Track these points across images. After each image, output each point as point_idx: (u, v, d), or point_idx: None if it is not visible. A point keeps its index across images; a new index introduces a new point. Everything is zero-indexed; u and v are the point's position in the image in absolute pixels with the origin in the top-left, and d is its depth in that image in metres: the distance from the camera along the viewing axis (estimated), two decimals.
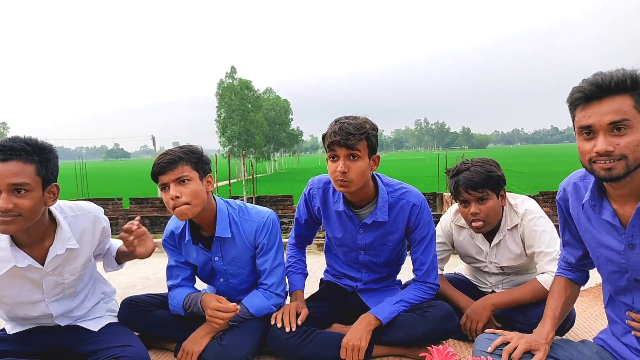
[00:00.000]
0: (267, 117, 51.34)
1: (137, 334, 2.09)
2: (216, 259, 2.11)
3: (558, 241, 2.06)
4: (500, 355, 1.57)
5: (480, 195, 2.06)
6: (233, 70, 45.89)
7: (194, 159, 1.92)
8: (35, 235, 1.73)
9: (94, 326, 1.98)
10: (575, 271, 1.77)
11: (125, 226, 1.83)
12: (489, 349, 1.61)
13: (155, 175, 1.90)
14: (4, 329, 1.96)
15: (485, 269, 2.33)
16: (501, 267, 2.28)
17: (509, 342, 1.60)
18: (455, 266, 2.72)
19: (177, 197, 1.86)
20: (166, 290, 2.22)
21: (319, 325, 2.11)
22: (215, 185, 2.05)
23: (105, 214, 2.01)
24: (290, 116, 59.33)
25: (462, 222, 2.27)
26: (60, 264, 1.81)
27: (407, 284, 2.28)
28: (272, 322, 2.03)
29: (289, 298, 2.25)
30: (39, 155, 1.61)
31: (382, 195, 2.04)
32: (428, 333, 1.95)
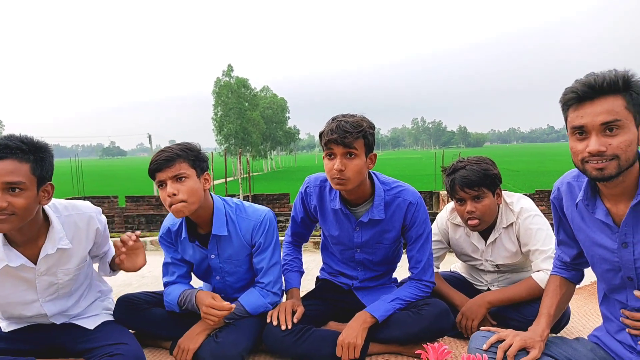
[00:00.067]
0: (263, 116, 51.26)
1: (133, 332, 2.09)
2: (212, 256, 2.11)
3: (553, 239, 2.07)
4: (496, 353, 1.58)
5: (476, 194, 2.07)
6: (230, 68, 45.78)
7: (192, 156, 1.92)
8: (28, 234, 1.72)
9: (90, 324, 1.98)
10: (570, 270, 1.78)
11: (123, 237, 1.83)
12: (484, 347, 1.62)
13: (152, 172, 1.90)
14: None
15: (481, 267, 2.34)
16: (497, 265, 2.28)
17: (504, 340, 1.60)
18: (451, 264, 2.73)
19: (174, 195, 1.85)
20: (162, 288, 2.22)
21: (315, 323, 2.11)
22: (211, 184, 2.05)
23: (101, 212, 2.00)
24: (287, 114, 59.28)
25: (458, 220, 2.28)
26: (54, 264, 1.80)
27: (403, 282, 2.28)
28: (268, 320, 2.03)
29: (285, 296, 2.25)
30: (34, 154, 1.60)
31: (379, 193, 2.04)
32: (424, 331, 1.95)
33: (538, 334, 1.62)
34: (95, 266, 2.11)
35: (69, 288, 1.93)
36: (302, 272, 2.34)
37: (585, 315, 2.57)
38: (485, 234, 2.25)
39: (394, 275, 2.37)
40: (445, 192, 2.82)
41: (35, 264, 1.77)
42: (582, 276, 1.81)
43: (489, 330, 1.70)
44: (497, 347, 1.60)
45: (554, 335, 2.01)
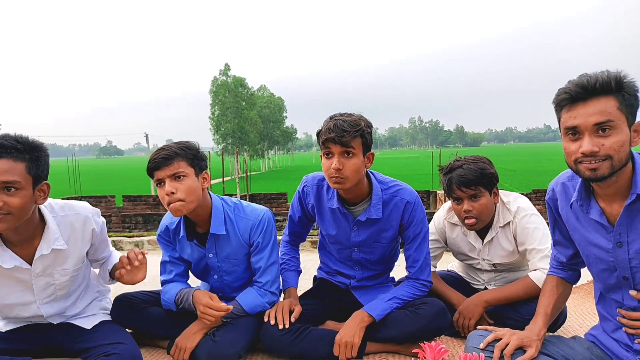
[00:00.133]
0: (261, 115, 51.20)
1: (130, 331, 2.09)
2: (210, 255, 2.10)
3: (550, 238, 2.08)
4: (492, 352, 1.59)
5: (473, 193, 2.07)
6: (227, 67, 45.69)
7: (190, 155, 1.92)
8: (24, 234, 1.71)
9: (87, 324, 1.97)
10: (566, 270, 1.79)
11: (130, 255, 1.82)
12: (481, 346, 1.62)
13: (150, 170, 1.90)
14: None
15: (478, 266, 2.34)
16: (494, 264, 2.29)
17: (501, 339, 1.61)
18: (448, 263, 2.73)
19: (173, 193, 1.85)
20: (159, 288, 2.22)
21: (313, 322, 2.12)
22: (210, 183, 2.04)
23: (100, 213, 1.98)
24: (285, 114, 59.23)
25: (455, 219, 2.28)
26: (50, 264, 1.79)
27: (400, 281, 2.29)
28: (266, 319, 2.03)
29: (282, 295, 2.25)
30: (29, 153, 1.60)
31: (376, 192, 2.04)
32: (421, 330, 1.96)
33: (535, 333, 1.62)
34: (96, 271, 2.10)
35: (67, 289, 1.92)
36: (299, 272, 2.34)
37: (582, 314, 2.58)
38: (482, 233, 2.25)
39: (391, 274, 2.37)
40: (443, 192, 2.82)
41: (31, 264, 1.76)
42: (578, 276, 1.81)
43: (486, 329, 1.71)
44: (494, 346, 1.60)
45: (551, 334, 2.01)
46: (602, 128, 1.32)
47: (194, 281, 2.28)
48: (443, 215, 2.37)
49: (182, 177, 1.87)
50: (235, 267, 2.14)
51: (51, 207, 1.79)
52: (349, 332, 1.96)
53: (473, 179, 2.05)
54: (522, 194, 2.39)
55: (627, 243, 1.44)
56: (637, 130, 1.37)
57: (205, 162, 2.00)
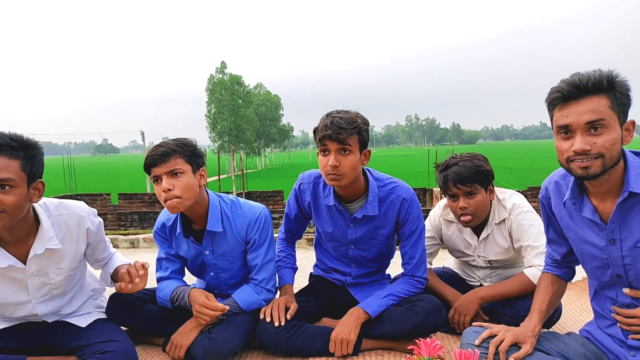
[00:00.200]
0: (257, 113, 51.10)
1: (125, 329, 2.08)
2: (207, 252, 2.10)
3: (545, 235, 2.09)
4: (488, 348, 1.59)
5: (469, 190, 2.08)
6: (223, 65, 45.56)
7: (188, 152, 1.91)
8: (18, 233, 1.70)
9: (82, 322, 1.97)
10: (561, 268, 1.80)
11: (132, 270, 1.81)
12: (477, 342, 1.63)
13: (148, 167, 1.89)
14: None
15: (474, 263, 2.35)
16: (489, 261, 2.30)
17: (496, 335, 1.62)
18: (443, 260, 2.74)
19: (169, 190, 1.85)
20: (155, 285, 2.21)
21: (308, 319, 2.12)
22: (207, 180, 2.04)
23: (97, 213, 1.96)
24: (281, 112, 59.16)
25: (451, 216, 2.29)
26: (45, 264, 1.78)
27: (396, 278, 2.29)
28: (261, 317, 2.03)
29: (278, 293, 2.25)
30: (24, 151, 1.59)
31: (373, 189, 2.05)
32: (416, 326, 1.96)
33: (530, 329, 1.63)
34: (98, 272, 2.09)
35: (62, 288, 1.91)
36: (295, 269, 2.34)
37: (577, 311, 2.59)
38: (477, 230, 2.26)
39: (387, 271, 2.38)
40: (439, 189, 2.83)
41: (25, 264, 1.75)
42: (573, 273, 1.82)
43: (481, 326, 1.71)
44: (489, 343, 1.61)
45: (546, 330, 2.03)
46: (594, 127, 1.33)
47: (190, 278, 2.28)
48: (439, 213, 2.37)
49: (179, 174, 1.87)
50: (231, 265, 2.14)
51: (46, 206, 1.78)
52: (345, 329, 1.96)
53: (469, 176, 2.06)
54: (518, 191, 2.40)
55: (620, 240, 1.45)
56: (629, 128, 1.38)
57: (203, 159, 2.00)
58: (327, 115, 1.93)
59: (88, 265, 2.09)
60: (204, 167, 2.01)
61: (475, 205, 2.09)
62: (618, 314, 1.53)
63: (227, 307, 1.99)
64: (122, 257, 2.11)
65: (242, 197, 1.89)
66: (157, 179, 1.89)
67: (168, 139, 1.99)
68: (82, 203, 1.91)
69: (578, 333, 1.71)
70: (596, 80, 1.32)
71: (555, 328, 2.25)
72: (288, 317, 2.02)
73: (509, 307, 2.13)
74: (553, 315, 2.11)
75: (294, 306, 2.07)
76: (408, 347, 1.82)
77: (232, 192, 11.62)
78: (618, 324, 1.54)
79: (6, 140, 1.56)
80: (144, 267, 1.84)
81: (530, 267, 2.10)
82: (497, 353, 1.57)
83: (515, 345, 1.58)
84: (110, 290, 2.19)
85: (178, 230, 2.08)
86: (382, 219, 2.08)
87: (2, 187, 1.54)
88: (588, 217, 1.50)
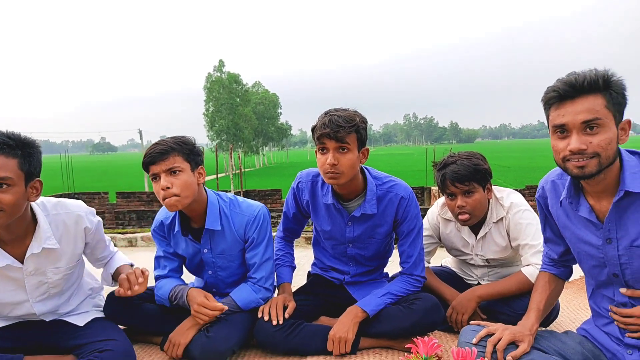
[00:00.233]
0: (255, 111, 51.01)
1: (123, 327, 2.08)
2: (205, 251, 2.10)
3: None
4: (485, 347, 1.59)
5: (467, 188, 2.08)
6: (221, 63, 45.45)
7: (186, 150, 1.91)
8: (16, 233, 1.70)
9: (80, 321, 1.96)
10: (558, 267, 1.80)
11: (132, 278, 1.80)
12: (474, 340, 1.63)
13: (146, 165, 1.89)
14: None
15: (471, 262, 2.36)
16: (487, 260, 2.30)
17: (493, 334, 1.62)
18: (441, 259, 2.74)
19: (168, 188, 1.85)
20: (153, 284, 2.21)
21: (306, 318, 2.12)
22: (205, 178, 2.04)
23: (95, 212, 1.96)
24: (279, 110, 59.08)
25: (449, 215, 2.29)
26: (42, 263, 1.78)
27: (394, 277, 2.29)
28: (259, 315, 2.03)
29: (276, 291, 2.25)
30: (21, 150, 1.58)
31: (371, 188, 2.05)
32: (414, 325, 1.97)
33: (527, 328, 1.63)
34: (87, 261, 2.09)
35: (60, 287, 1.90)
36: (293, 267, 2.34)
37: (575, 309, 2.60)
38: (475, 228, 2.26)
39: (385, 270, 2.38)
40: (437, 188, 2.83)
41: (22, 263, 1.74)
42: (570, 272, 1.83)
43: (478, 324, 1.71)
44: (486, 341, 1.61)
45: (543, 329, 2.03)
46: (589, 126, 1.34)
47: (188, 277, 2.28)
48: (437, 211, 2.38)
49: (177, 172, 1.87)
50: (229, 263, 2.14)
51: (43, 205, 1.78)
52: (343, 327, 1.96)
53: (466, 175, 2.06)
54: (516, 190, 2.40)
55: (616, 239, 1.46)
56: (624, 128, 1.38)
57: (202, 157, 2.00)
58: (326, 113, 1.93)
59: (86, 264, 2.08)
60: (203, 166, 2.01)
61: (473, 203, 2.09)
62: (615, 313, 1.53)
63: (226, 307, 1.99)
64: (123, 257, 2.11)
65: (240, 195, 1.88)
66: (155, 177, 1.88)
67: (166, 137, 1.99)
68: (80, 202, 1.91)
69: (575, 331, 1.72)
70: (592, 79, 1.33)
71: (553, 327, 2.26)
72: (286, 315, 2.02)
73: (506, 306, 2.14)
74: (551, 313, 2.11)
75: (292, 305, 2.07)
76: (406, 346, 1.82)
77: (230, 191, 11.61)
78: (615, 322, 1.54)
79: (4, 138, 1.55)
80: (143, 274, 1.84)
81: (527, 265, 2.11)
82: (494, 352, 1.57)
83: (513, 344, 1.58)
84: (108, 289, 2.19)
85: (176, 228, 2.07)
86: (381, 217, 2.08)
87: None
88: (584, 217, 1.50)
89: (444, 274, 2.47)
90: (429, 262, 2.44)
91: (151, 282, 2.25)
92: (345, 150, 1.88)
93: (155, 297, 2.13)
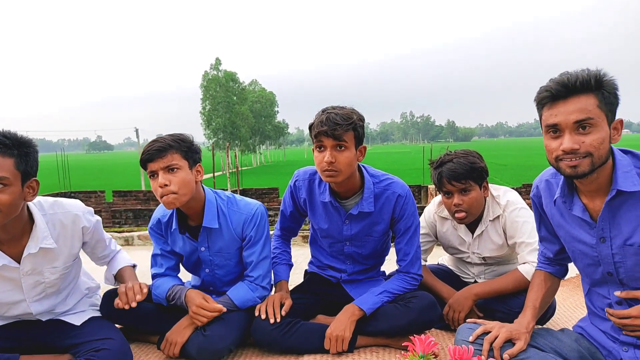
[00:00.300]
0: (252, 110, 50.94)
1: (120, 326, 2.08)
2: (202, 249, 2.10)
3: None
4: (482, 345, 1.60)
5: (463, 187, 2.08)
6: (218, 62, 45.35)
7: (184, 147, 1.91)
8: (12, 233, 1.69)
9: (76, 320, 1.96)
10: (554, 265, 1.81)
11: (130, 294, 1.81)
12: (471, 338, 1.64)
13: (144, 162, 1.88)
14: None
15: (468, 260, 2.36)
16: (483, 258, 2.31)
17: (490, 332, 1.62)
18: (438, 257, 2.75)
19: (166, 185, 1.84)
20: (150, 283, 2.20)
21: (303, 316, 2.12)
22: (203, 176, 2.03)
23: (93, 212, 1.96)
24: (276, 109, 59.02)
25: (446, 213, 2.29)
26: (39, 263, 1.77)
27: (391, 275, 2.30)
28: (257, 314, 2.03)
29: (274, 290, 2.25)
30: (18, 149, 1.57)
31: (368, 186, 2.05)
32: (411, 323, 1.97)
33: (524, 325, 1.64)
34: (84, 260, 2.08)
35: (57, 287, 1.90)
36: (291, 265, 2.35)
37: (571, 307, 2.61)
38: (472, 226, 2.27)
39: (382, 268, 2.38)
40: (434, 186, 2.83)
41: (19, 263, 1.74)
42: (566, 271, 1.83)
43: (475, 322, 1.72)
44: (483, 339, 1.62)
45: (540, 326, 2.04)
46: (582, 126, 1.34)
47: (184, 275, 2.27)
48: (433, 209, 2.38)
49: (175, 169, 1.86)
50: (227, 261, 2.14)
51: (40, 205, 1.77)
52: (340, 326, 1.96)
53: (463, 173, 2.06)
54: (512, 188, 2.41)
55: (610, 238, 1.46)
56: (617, 127, 1.39)
57: (200, 154, 1.99)
58: (323, 111, 1.93)
59: (83, 263, 2.08)
60: (201, 163, 2.00)
61: (469, 202, 2.10)
62: (612, 315, 1.53)
63: (225, 309, 1.99)
64: (126, 256, 2.10)
65: (237, 194, 1.87)
66: (153, 175, 1.88)
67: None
68: (77, 201, 1.90)
69: (571, 329, 1.72)
70: (584, 79, 1.33)
71: (549, 324, 2.27)
72: (283, 313, 2.02)
73: (503, 304, 2.14)
74: (547, 311, 2.12)
75: (288, 302, 2.07)
76: (403, 344, 1.82)
77: (226, 190, 11.60)
78: (612, 322, 1.55)
79: (0, 138, 1.54)
80: (142, 290, 1.83)
81: (524, 263, 2.11)
82: (491, 349, 1.58)
83: (509, 342, 1.59)
84: (105, 288, 2.18)
85: (174, 226, 2.07)
86: (378, 215, 2.08)
87: None
88: (578, 216, 1.51)
89: (440, 272, 2.47)
90: (426, 260, 2.44)
91: (148, 281, 2.24)
92: (343, 148, 1.88)
93: (152, 296, 2.12)
